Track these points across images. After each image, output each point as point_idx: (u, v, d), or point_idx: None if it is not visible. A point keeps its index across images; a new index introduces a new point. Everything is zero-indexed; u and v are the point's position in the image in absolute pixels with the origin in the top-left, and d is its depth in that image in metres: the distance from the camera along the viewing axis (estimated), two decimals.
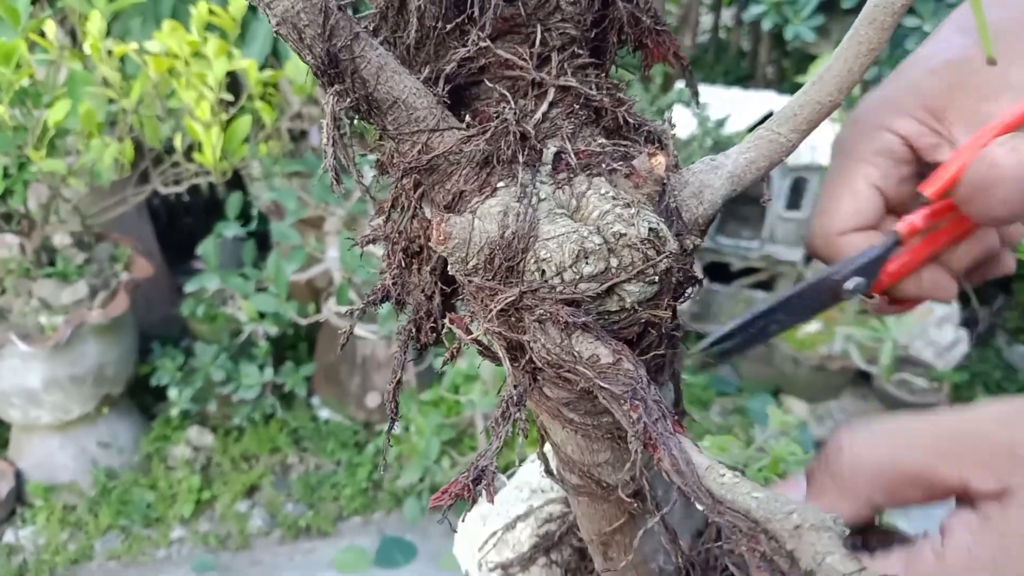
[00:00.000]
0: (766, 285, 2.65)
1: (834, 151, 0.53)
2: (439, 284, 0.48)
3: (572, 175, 0.41)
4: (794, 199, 2.45)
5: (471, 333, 0.40)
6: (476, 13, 0.40)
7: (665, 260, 0.39)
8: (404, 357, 0.46)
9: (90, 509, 2.05)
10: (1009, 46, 0.46)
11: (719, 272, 2.64)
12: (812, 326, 2.47)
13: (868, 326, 1.91)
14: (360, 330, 1.92)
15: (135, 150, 1.69)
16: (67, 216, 1.93)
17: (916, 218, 0.50)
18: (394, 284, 0.44)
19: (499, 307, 0.39)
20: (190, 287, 1.90)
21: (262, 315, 1.90)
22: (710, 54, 2.90)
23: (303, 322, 1.86)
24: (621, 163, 0.42)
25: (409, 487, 2.05)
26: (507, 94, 0.42)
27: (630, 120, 0.45)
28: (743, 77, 2.89)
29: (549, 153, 0.42)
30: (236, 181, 2.77)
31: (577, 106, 0.45)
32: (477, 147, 0.40)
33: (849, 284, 0.51)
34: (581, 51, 0.46)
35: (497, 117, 0.42)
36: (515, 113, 0.41)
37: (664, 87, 2.33)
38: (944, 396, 2.22)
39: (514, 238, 0.38)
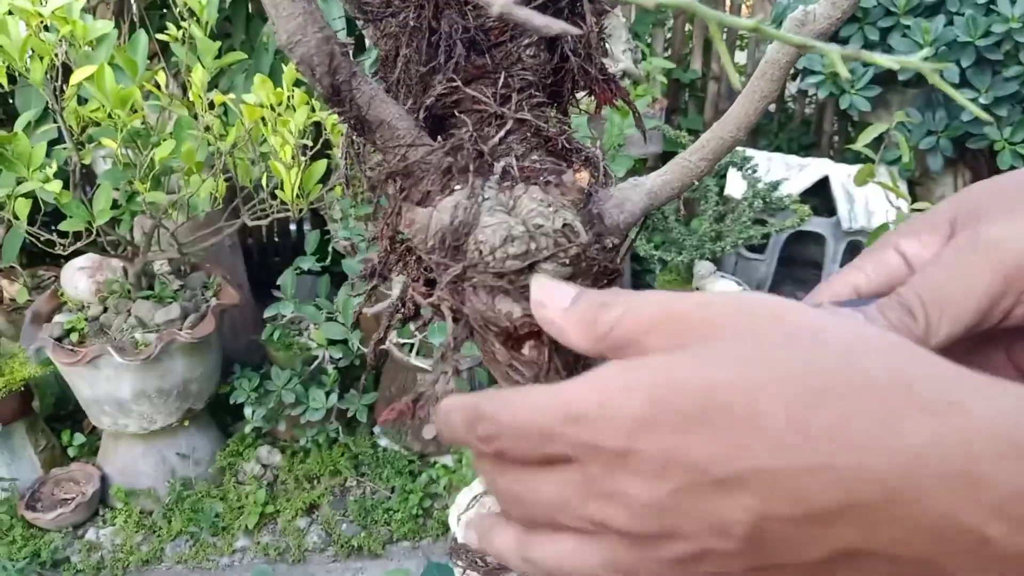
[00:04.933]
0: None
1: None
2: (423, 270, 0.61)
3: (514, 183, 0.54)
4: (849, 261, 2.50)
5: (429, 298, 0.53)
6: (447, 61, 0.54)
7: (575, 248, 0.51)
8: (389, 322, 0.59)
9: (164, 515, 2.24)
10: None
11: None
12: None
13: None
14: (419, 362, 2.06)
15: (229, 189, 1.90)
16: (166, 245, 2.16)
17: None
18: (379, 262, 0.57)
19: (449, 278, 0.52)
20: (268, 312, 2.09)
21: (331, 342, 2.07)
22: (774, 123, 3.00)
23: (367, 350, 2.01)
24: (554, 176, 0.55)
25: None
26: (468, 122, 0.55)
27: (570, 145, 0.58)
28: (807, 145, 2.97)
29: (498, 166, 0.55)
30: (321, 223, 3.00)
31: (530, 134, 0.58)
32: (439, 157, 0.53)
33: None
34: (538, 93, 0.59)
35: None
36: (471, 135, 0.54)
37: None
38: None
39: (460, 225, 0.51)
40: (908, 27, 2.23)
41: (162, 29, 2.22)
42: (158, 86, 1.82)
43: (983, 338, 0.46)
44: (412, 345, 2.00)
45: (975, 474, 0.30)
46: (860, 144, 2.21)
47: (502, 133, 0.57)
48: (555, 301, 0.42)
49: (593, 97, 0.62)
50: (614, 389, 0.36)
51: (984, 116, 0.40)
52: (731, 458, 0.32)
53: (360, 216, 2.05)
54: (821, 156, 2.81)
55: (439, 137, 0.56)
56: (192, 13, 1.90)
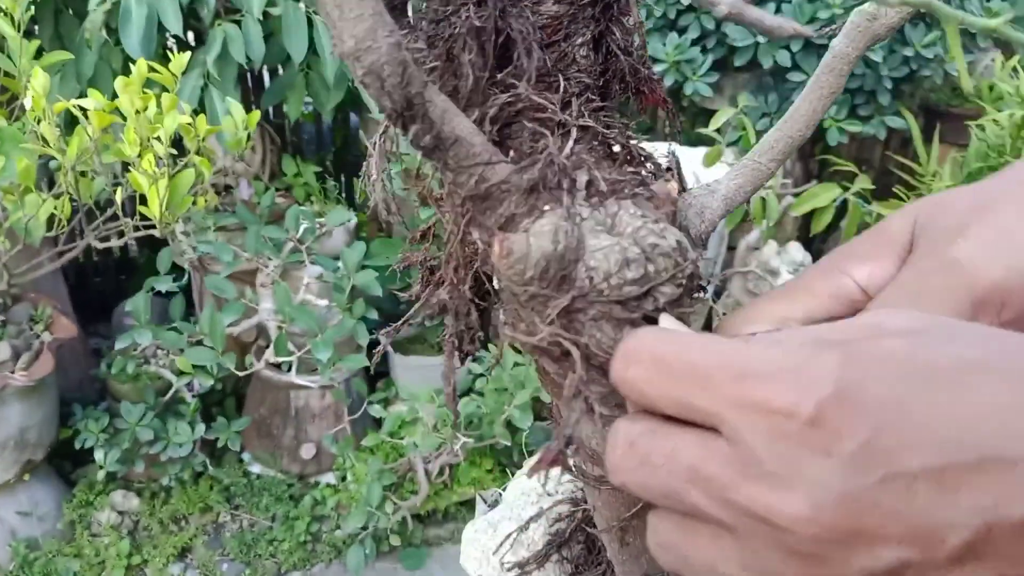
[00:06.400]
0: None
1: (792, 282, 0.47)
2: (474, 301, 0.55)
3: (603, 199, 0.49)
4: None
5: (535, 336, 0.47)
6: (523, 64, 0.48)
7: (691, 266, 0.47)
8: (452, 363, 0.52)
9: None
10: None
11: None
12: None
13: None
14: (299, 379, 1.92)
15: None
16: None
17: None
18: (450, 298, 0.50)
19: (555, 312, 0.46)
20: (120, 344, 1.87)
21: (195, 368, 1.88)
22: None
23: (241, 374, 1.85)
24: (640, 188, 0.50)
25: (351, 536, 2.04)
26: (544, 131, 0.49)
27: (639, 153, 0.53)
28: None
29: (582, 181, 0.49)
30: (155, 238, 2.73)
31: (595, 143, 0.53)
32: (530, 176, 0.47)
33: None
34: (594, 97, 0.54)
35: (531, 152, 0.50)
36: (557, 148, 0.48)
37: None
38: None
39: (566, 251, 0.45)
40: None
41: None
42: None
43: None
44: (290, 364, 1.86)
45: None
46: (711, 128, 2.31)
47: (571, 143, 0.51)
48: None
49: (638, 98, 0.58)
50: (805, 343, 0.29)
51: None
52: (968, 443, 0.26)
53: (219, 227, 1.88)
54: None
55: (509, 151, 0.49)
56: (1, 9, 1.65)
